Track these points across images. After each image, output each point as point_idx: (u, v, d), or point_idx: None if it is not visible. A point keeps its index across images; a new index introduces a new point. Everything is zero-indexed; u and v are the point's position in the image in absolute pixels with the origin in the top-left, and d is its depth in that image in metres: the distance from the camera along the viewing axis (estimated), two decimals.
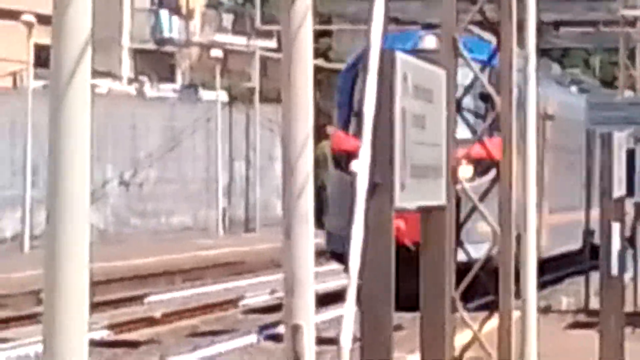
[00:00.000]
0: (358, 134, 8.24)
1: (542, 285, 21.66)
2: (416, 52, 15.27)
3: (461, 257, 14.26)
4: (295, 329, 5.58)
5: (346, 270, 7.99)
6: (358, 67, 19.00)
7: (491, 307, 14.21)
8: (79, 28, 2.01)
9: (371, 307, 7.23)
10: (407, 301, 12.45)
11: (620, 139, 16.51)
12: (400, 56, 7.98)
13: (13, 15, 45.61)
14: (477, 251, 14.49)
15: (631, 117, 24.67)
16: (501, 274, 13.37)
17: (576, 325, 24.31)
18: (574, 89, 42.51)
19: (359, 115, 8.39)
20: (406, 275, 10.52)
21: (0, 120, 42.14)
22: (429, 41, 18.83)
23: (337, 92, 21.62)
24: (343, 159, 18.60)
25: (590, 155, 28.53)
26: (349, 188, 7.43)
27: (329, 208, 21.50)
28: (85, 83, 1.98)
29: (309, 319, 5.63)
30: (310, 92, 5.66)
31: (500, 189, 13.68)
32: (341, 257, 16.18)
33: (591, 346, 15.98)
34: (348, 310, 5.83)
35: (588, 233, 28.40)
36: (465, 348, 13.87)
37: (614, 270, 14.98)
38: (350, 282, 6.16)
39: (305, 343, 5.66)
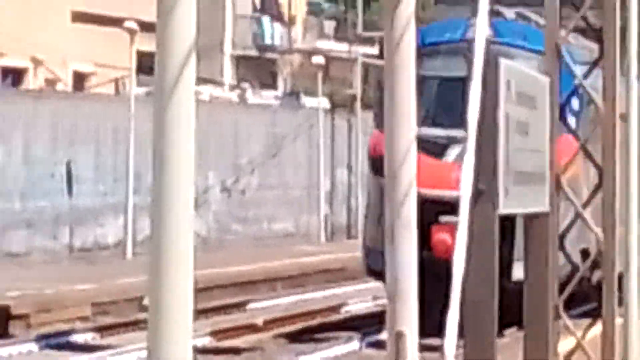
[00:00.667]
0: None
1: None
2: (466, 42, 14.63)
3: (564, 263, 13.56)
4: (399, 336, 5.55)
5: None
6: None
7: (594, 314, 13.93)
8: (183, 35, 2.00)
9: (475, 314, 7.10)
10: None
11: None
12: (504, 63, 7.77)
13: (115, 22, 46.84)
14: (579, 259, 14.21)
15: None
16: (605, 280, 13.06)
17: None
18: None
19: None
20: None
21: (103, 127, 42.93)
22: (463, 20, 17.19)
23: (378, 87, 19.60)
24: (382, 162, 15.49)
25: None
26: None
27: (367, 218, 19.25)
28: (189, 89, 1.96)
29: (412, 325, 5.59)
30: (413, 99, 5.49)
31: (604, 194, 13.13)
32: (380, 275, 12.89)
33: None
34: (452, 317, 5.69)
35: None
36: (569, 355, 13.61)
37: None
38: (454, 288, 5.96)
39: (408, 350, 5.57)
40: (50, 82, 50.25)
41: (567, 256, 13.24)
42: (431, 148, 14.82)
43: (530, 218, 9.13)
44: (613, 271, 13.18)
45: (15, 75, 50.97)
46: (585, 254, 15.13)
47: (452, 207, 9.49)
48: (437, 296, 10.09)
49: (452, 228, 9.59)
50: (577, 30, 15.56)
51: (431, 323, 9.25)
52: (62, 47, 49.54)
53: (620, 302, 13.48)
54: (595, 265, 13.53)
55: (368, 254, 18.21)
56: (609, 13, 13.53)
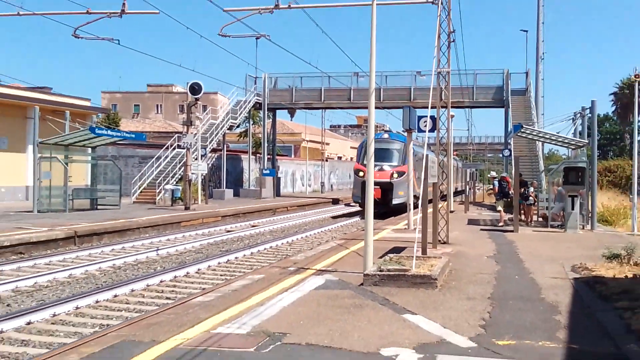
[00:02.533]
0: (361, 163, 35.45)
1: None
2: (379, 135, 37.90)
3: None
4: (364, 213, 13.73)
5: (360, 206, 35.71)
6: (362, 142, 36.05)
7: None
8: None
9: (396, 209, 17.77)
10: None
11: None
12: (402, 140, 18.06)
13: None
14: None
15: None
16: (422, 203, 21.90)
17: None
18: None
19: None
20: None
21: None
22: (384, 135, 36.65)
23: (359, 148, 38.46)
24: (358, 172, 34.25)
25: None
26: (359, 182, 34.32)
27: (354, 189, 38.62)
28: None
29: (369, 214, 13.00)
30: (372, 155, 15.15)
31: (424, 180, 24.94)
32: (357, 203, 35.87)
33: None
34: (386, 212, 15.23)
35: None
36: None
37: None
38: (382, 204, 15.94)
39: (369, 222, 13.61)
40: None
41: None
42: (375, 167, 29.12)
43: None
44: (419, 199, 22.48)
45: None
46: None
47: (379, 184, 31.64)
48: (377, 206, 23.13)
49: (379, 191, 31.53)
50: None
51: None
52: None
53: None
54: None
55: (354, 196, 37.09)
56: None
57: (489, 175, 29.57)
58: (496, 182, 26.41)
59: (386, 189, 34.45)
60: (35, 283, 13.61)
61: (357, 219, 34.37)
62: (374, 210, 13.30)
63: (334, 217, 37.01)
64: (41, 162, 29.07)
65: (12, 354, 8.65)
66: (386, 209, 33.33)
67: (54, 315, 10.71)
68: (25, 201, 35.29)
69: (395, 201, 34.68)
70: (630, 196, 26.43)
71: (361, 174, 32.66)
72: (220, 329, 7.77)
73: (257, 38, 19.47)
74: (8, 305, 11.67)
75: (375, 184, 25.33)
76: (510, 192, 24.64)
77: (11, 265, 15.78)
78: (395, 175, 35.34)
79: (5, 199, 36.13)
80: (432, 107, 15.98)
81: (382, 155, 33.96)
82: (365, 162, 27.80)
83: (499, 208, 25.62)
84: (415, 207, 23.95)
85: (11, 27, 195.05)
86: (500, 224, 24.21)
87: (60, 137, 29.65)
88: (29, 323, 10.13)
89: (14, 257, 17.45)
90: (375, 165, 28.03)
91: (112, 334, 7.86)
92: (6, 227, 20.62)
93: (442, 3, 16.16)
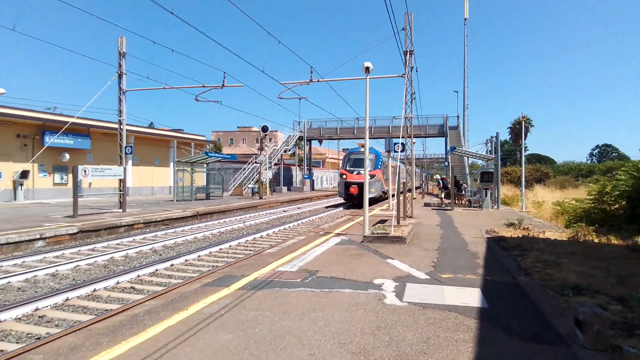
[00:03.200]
0: (344, 169, 27.91)
1: None
2: (357, 149, 29.49)
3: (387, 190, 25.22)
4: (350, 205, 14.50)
5: (346, 200, 28.59)
6: (346, 155, 29.64)
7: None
8: None
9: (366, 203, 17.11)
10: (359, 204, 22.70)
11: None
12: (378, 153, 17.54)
13: None
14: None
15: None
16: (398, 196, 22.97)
17: None
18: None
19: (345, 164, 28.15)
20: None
21: None
22: (359, 147, 29.44)
23: (344, 158, 30.03)
24: (343, 175, 28.06)
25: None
26: (343, 183, 27.35)
27: (339, 187, 30.59)
28: None
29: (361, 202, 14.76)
30: (351, 164, 14.95)
31: (396, 181, 23.84)
32: (341, 197, 28.83)
33: None
34: (365, 203, 14.85)
35: None
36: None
37: None
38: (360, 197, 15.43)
39: (366, 215, 14.53)
40: None
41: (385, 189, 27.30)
42: (354, 172, 26.55)
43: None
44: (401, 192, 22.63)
45: None
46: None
47: (356, 183, 26.33)
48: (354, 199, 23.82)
49: (356, 188, 25.99)
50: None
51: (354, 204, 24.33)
52: None
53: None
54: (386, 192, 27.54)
55: (339, 192, 29.73)
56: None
57: (435, 177, 29.99)
58: (440, 181, 26.77)
59: (362, 187, 28.34)
60: (174, 242, 13.77)
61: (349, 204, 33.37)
62: (354, 202, 13.45)
63: (344, 203, 35.91)
64: (177, 172, 29.50)
65: (162, 282, 8.80)
66: (361, 201, 28.35)
67: (186, 260, 10.84)
68: (169, 195, 35.88)
69: (368, 196, 30.36)
70: (520, 188, 26.28)
71: (344, 176, 27.55)
72: (280, 268, 7.84)
73: (299, 99, 19.46)
74: (160, 254, 11.82)
75: (354, 183, 25.75)
76: (447, 186, 24.93)
77: (161, 232, 16.01)
78: (368, 177, 31.27)
79: (158, 194, 37.01)
80: (402, 137, 15.87)
81: (359, 163, 28.51)
82: (348, 168, 27.31)
83: (441, 196, 26.13)
84: (385, 198, 25.27)
85: (160, 95, 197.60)
86: (443, 205, 24.06)
87: (188, 158, 29.98)
88: (172, 265, 10.30)
89: (163, 227, 17.67)
90: (354, 170, 26.66)
91: (219, 271, 7.97)
92: (158, 210, 20.90)
93: (407, 77, 16.06)
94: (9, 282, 8.64)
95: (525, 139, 61.43)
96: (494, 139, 25.08)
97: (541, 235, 11.72)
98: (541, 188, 37.76)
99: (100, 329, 4.91)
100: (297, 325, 4.97)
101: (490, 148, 27.25)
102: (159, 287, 8.36)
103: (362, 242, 10.73)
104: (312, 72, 16.91)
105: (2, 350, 5.44)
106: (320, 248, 9.93)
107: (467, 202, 25.60)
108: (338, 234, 12.27)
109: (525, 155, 44.65)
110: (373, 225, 13.14)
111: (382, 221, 14.76)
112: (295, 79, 19.28)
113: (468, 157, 32.92)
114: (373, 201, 28.11)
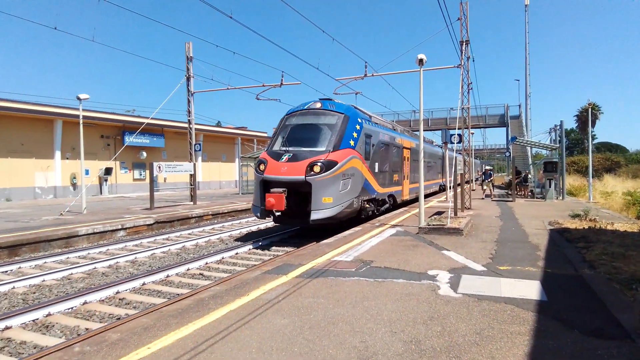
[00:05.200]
0: (270, 152, 11.55)
1: None
2: (305, 108, 12.59)
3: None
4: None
5: (261, 217, 11.14)
6: (283, 118, 12.83)
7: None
8: None
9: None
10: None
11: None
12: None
13: None
14: None
15: None
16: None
17: None
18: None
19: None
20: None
21: None
22: (314, 104, 12.63)
23: (275, 131, 13.48)
24: (261, 165, 11.57)
25: None
26: (259, 182, 11.06)
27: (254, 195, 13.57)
28: None
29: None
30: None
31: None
32: (256, 214, 11.54)
33: None
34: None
35: None
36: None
37: None
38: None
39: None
40: None
41: None
42: (283, 157, 11.38)
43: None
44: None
45: None
46: None
47: (283, 184, 10.91)
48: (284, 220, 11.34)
49: (279, 198, 10.56)
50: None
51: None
52: None
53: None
54: None
55: (252, 206, 12.63)
56: None
57: (486, 167, 28.79)
58: (485, 172, 26.28)
59: (299, 193, 11.28)
60: (239, 232, 14.18)
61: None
62: (283, 222, 10.87)
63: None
64: (242, 167, 30.51)
65: (227, 270, 9.14)
66: (301, 225, 12.68)
67: (250, 249, 11.18)
68: (235, 188, 37.28)
69: (314, 216, 10.76)
70: (587, 178, 24.48)
71: (262, 166, 11.52)
72: (336, 258, 7.88)
73: (355, 94, 19.28)
74: (226, 244, 12.20)
75: (279, 184, 11.08)
76: (491, 177, 25.18)
77: (227, 222, 16.55)
78: (317, 168, 10.94)
79: (225, 188, 38.53)
80: (458, 128, 15.32)
81: (304, 136, 12.02)
82: (274, 149, 11.84)
83: (485, 187, 25.48)
84: (380, 212, 14.54)
85: (224, 95, 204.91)
86: (490, 197, 23.14)
87: (251, 153, 30.82)
88: (236, 253, 10.66)
89: (229, 218, 18.27)
90: (284, 154, 11.46)
91: (278, 259, 8.14)
92: (225, 202, 21.69)
93: (464, 67, 15.46)
94: (94, 268, 9.38)
95: (593, 126, 57.18)
96: (558, 127, 23.57)
97: (609, 227, 10.88)
98: (611, 178, 34.98)
99: (170, 312, 5.21)
100: (350, 312, 4.98)
101: (554, 137, 25.64)
102: (224, 274, 8.71)
103: (417, 233, 10.52)
104: (366, 66, 16.71)
105: (87, 329, 5.93)
106: (376, 239, 9.87)
107: (529, 193, 24.32)
108: (393, 225, 12.11)
109: (593, 144, 41.67)
110: (429, 217, 12.84)
111: (439, 213, 14.38)
112: (350, 75, 19.14)
113: (531, 146, 31.18)
114: (353, 220, 12.75)
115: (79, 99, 17.19)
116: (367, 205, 13.00)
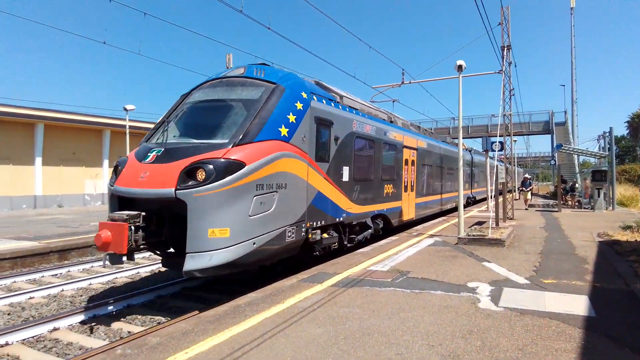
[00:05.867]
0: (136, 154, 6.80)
1: None
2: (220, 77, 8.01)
3: None
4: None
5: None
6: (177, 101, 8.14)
7: None
8: None
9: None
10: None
11: None
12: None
13: None
14: None
15: None
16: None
17: None
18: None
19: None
20: None
21: None
22: (235, 70, 8.00)
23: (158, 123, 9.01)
24: (115, 170, 7.40)
25: None
26: (109, 198, 6.48)
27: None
28: None
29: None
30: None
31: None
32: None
33: None
34: None
35: None
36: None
37: None
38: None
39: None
40: None
41: None
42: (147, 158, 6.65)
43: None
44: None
45: None
46: None
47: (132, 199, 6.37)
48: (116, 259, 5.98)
49: (116, 231, 5.82)
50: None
51: None
52: None
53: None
54: None
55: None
56: None
57: (525, 175, 26.60)
58: (524, 181, 24.71)
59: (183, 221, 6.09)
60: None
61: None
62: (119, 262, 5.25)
63: None
64: None
65: (264, 276, 9.21)
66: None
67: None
68: None
69: (189, 264, 5.93)
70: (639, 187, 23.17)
71: (116, 173, 6.76)
72: (372, 267, 7.80)
73: (392, 101, 19.17)
74: None
75: (127, 200, 6.51)
76: (530, 186, 23.86)
77: None
78: (201, 173, 5.97)
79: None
80: (500, 135, 14.88)
81: (201, 120, 7.09)
82: (149, 141, 7.28)
83: (526, 197, 23.58)
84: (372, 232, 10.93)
85: None
86: (532, 206, 22.22)
87: None
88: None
89: None
90: (156, 147, 6.74)
91: (313, 268, 8.13)
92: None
93: (505, 73, 15.05)
94: (137, 272, 9.70)
95: None
96: (607, 134, 22.47)
97: None
98: None
99: (208, 317, 5.29)
100: (385, 324, 4.89)
101: (603, 144, 24.45)
102: (260, 281, 8.78)
103: (456, 243, 10.26)
104: (403, 74, 16.58)
105: (130, 332, 6.12)
106: (413, 249, 9.68)
107: (576, 203, 23.25)
108: (432, 235, 11.87)
109: None
110: (469, 227, 12.49)
111: (480, 223, 13.97)
112: (386, 82, 19.01)
113: (577, 154, 29.86)
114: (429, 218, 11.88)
115: (125, 109, 17.96)
116: (325, 235, 8.46)
